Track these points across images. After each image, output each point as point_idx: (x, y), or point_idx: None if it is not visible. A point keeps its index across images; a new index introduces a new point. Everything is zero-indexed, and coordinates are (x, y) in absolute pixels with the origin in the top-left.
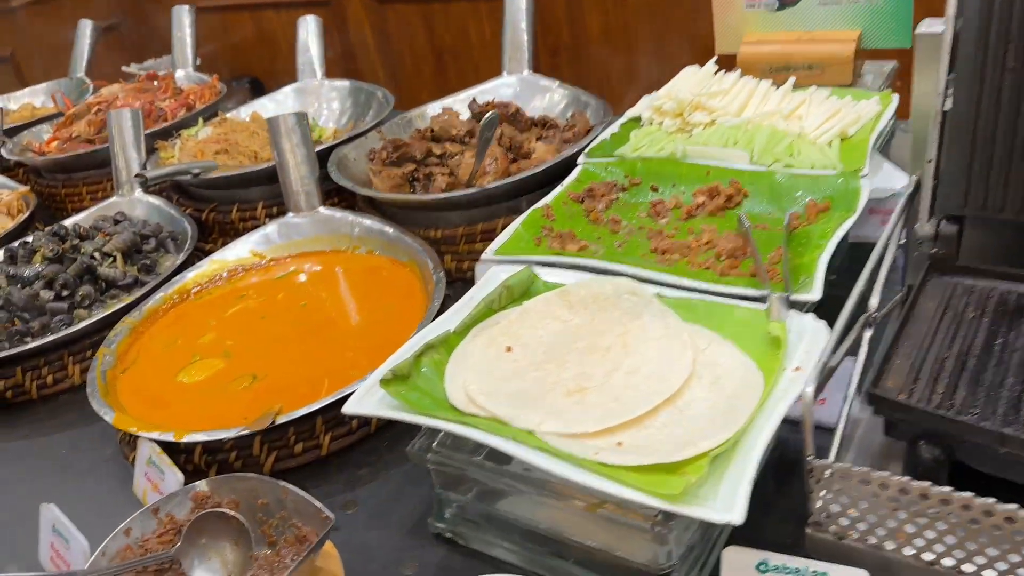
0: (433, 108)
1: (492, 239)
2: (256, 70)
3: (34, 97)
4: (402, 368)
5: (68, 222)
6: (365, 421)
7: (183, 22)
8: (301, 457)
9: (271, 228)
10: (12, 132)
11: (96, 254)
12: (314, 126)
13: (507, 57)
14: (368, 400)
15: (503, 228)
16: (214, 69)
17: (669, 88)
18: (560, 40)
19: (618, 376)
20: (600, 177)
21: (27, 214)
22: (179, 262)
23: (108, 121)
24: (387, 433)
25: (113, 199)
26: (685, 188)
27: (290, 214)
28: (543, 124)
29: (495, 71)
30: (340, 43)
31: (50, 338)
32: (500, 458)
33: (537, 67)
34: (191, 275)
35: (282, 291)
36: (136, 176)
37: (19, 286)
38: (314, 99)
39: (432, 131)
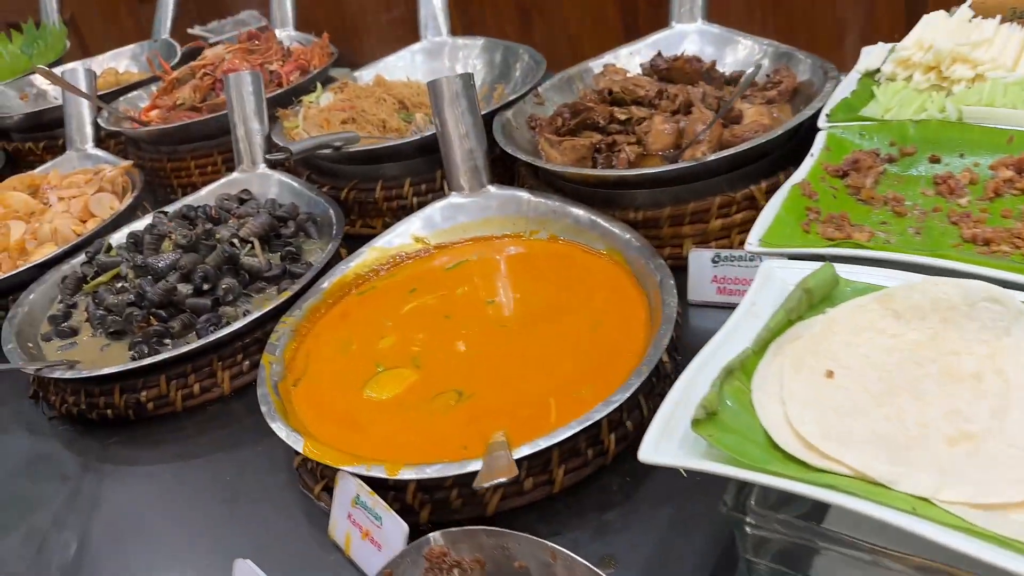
0: (595, 65)
1: (704, 221)
2: (327, 28)
3: (116, 62)
4: (711, 402)
5: (190, 199)
6: (602, 451)
7: None
8: (532, 494)
9: (434, 210)
10: (105, 99)
11: (235, 240)
12: None
13: (676, 4)
14: (668, 444)
15: (718, 209)
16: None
17: (917, 38)
18: None
19: (1015, 416)
20: (855, 145)
21: (136, 192)
22: (332, 249)
23: (227, 86)
24: (624, 465)
25: (234, 175)
26: (979, 159)
27: (453, 193)
28: (737, 80)
29: (586, 27)
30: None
31: (200, 343)
32: (820, 515)
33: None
34: (351, 265)
35: (460, 284)
36: (277, 150)
37: (151, 278)
38: (444, 59)
39: (610, 92)
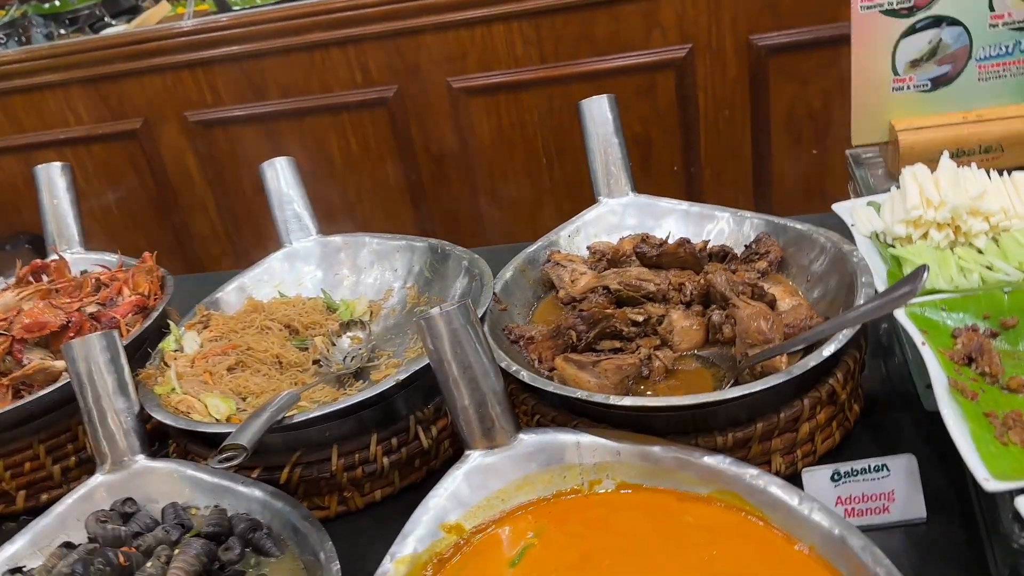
0: (535, 253)
1: (793, 430)
2: (30, 225)
3: None
4: None
5: (36, 529)
6: None
7: (56, 185)
8: None
9: (456, 480)
10: None
11: None
12: (332, 302)
13: (600, 179)
14: None
15: (809, 410)
16: None
17: (919, 194)
18: (444, 145)
19: None
20: (944, 326)
21: None
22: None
23: (70, 359)
24: None
25: (98, 479)
26: None
27: (475, 453)
28: (722, 257)
29: (363, 190)
30: (153, 178)
31: None
32: None
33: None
34: None
35: None
36: (229, 451)
37: None
38: (321, 264)
39: (607, 289)
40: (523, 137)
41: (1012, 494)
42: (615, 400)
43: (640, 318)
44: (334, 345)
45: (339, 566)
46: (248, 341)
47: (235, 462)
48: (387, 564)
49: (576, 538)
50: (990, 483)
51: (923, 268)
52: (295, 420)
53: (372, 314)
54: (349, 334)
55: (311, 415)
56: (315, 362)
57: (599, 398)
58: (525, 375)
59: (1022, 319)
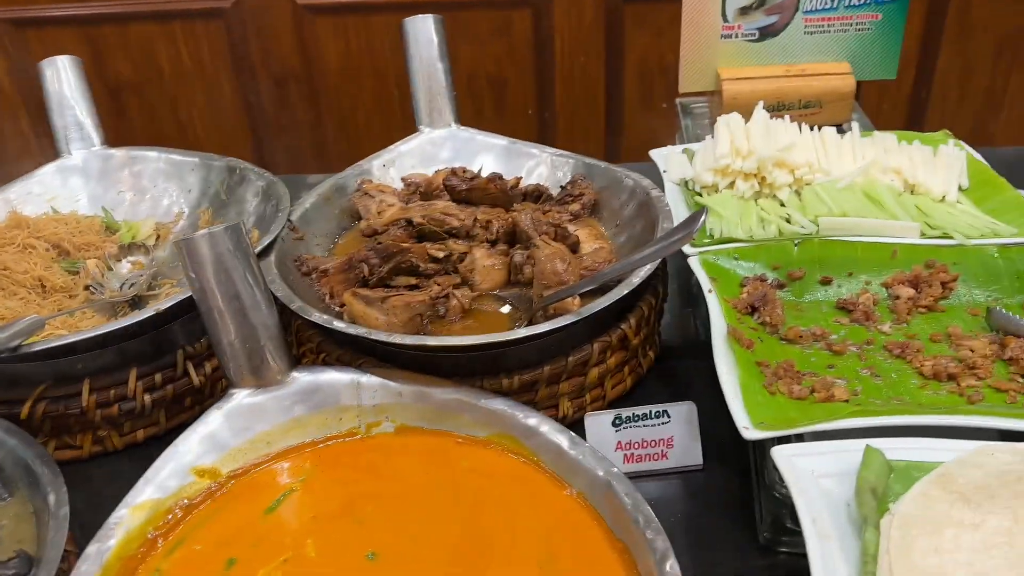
0: (344, 181)
1: (582, 373)
2: None
3: None
4: None
5: None
6: None
7: None
8: None
9: (216, 420)
10: None
11: None
12: (113, 223)
13: (423, 108)
14: None
15: (599, 354)
16: None
17: (729, 144)
18: (287, 66)
19: None
20: (734, 274)
21: None
22: (59, 536)
23: None
24: None
25: None
26: (868, 277)
27: (240, 392)
28: (536, 196)
29: (195, 111)
30: None
31: None
32: None
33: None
34: (112, 543)
35: (304, 535)
36: None
37: None
38: (101, 181)
39: (409, 223)
40: (373, 64)
41: (769, 443)
42: (396, 339)
43: (441, 254)
44: (110, 270)
45: (68, 510)
46: (5, 260)
47: None
48: (121, 511)
49: (343, 483)
50: (749, 431)
51: (701, 212)
52: (36, 348)
53: (159, 238)
54: (130, 259)
55: (57, 343)
56: (87, 288)
57: (379, 336)
58: (310, 312)
59: (809, 271)
